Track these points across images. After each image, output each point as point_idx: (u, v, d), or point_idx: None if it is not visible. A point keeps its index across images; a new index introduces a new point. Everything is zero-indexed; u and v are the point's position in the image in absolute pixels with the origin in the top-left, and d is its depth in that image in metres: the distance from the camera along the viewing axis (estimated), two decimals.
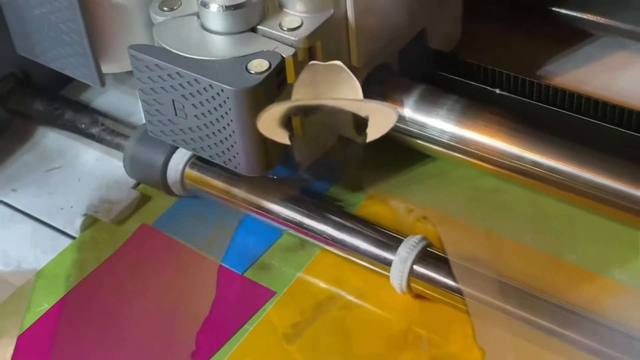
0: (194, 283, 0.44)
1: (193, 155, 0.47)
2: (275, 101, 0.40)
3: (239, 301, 0.43)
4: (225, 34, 0.42)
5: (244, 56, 0.41)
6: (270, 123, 0.38)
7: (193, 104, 0.41)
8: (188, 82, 0.41)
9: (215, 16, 0.41)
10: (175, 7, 0.44)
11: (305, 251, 0.45)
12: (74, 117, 0.52)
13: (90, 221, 0.48)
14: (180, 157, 0.47)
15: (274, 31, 0.42)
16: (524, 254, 0.44)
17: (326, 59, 0.42)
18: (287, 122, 0.40)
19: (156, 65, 0.41)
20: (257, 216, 0.46)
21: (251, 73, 0.40)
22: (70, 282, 0.44)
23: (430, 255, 0.42)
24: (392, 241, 0.43)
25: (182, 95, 0.41)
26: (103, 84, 0.45)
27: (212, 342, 0.41)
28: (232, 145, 0.41)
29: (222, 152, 0.42)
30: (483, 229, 0.45)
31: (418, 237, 0.42)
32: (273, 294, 0.44)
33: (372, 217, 0.45)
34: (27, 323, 0.42)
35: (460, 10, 0.51)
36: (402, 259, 0.42)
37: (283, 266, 0.45)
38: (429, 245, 0.42)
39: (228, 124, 0.41)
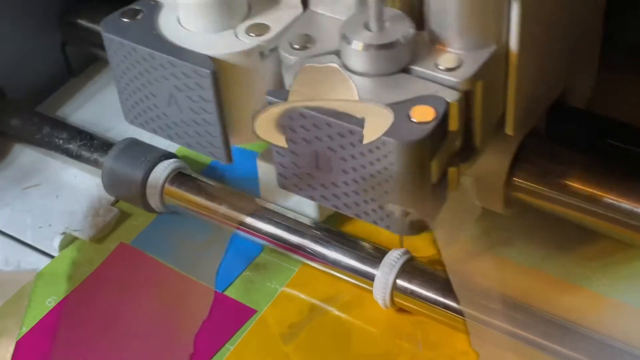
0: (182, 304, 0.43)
1: (173, 171, 0.47)
2: (439, 154, 0.36)
3: (219, 321, 0.43)
4: (374, 76, 0.37)
5: (401, 102, 0.36)
6: (269, 125, 0.35)
7: (343, 158, 0.36)
8: (339, 133, 0.35)
9: (362, 56, 0.36)
10: (308, 46, 0.39)
11: (287, 267, 0.45)
12: (51, 133, 0.52)
13: (69, 239, 0.48)
14: (160, 172, 0.47)
15: (430, 72, 0.36)
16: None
17: (485, 105, 0.37)
18: (442, 174, 0.36)
19: (300, 114, 0.36)
20: (239, 232, 0.45)
21: (415, 122, 0.35)
22: (71, 282, 0.44)
23: (413, 269, 0.42)
24: (374, 255, 0.43)
25: (329, 148, 0.36)
26: (231, 160, 0.40)
27: None
28: (386, 203, 0.36)
29: (373, 210, 0.37)
30: None
31: (400, 250, 0.42)
32: (254, 312, 0.43)
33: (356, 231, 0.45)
34: (27, 323, 0.42)
35: (597, 64, 0.46)
36: (385, 273, 0.42)
37: (265, 283, 0.45)
38: (412, 258, 0.42)
39: (386, 180, 0.36)
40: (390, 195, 0.36)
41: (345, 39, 0.37)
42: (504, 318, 0.39)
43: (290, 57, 0.38)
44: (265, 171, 0.45)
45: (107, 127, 0.54)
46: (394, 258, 0.42)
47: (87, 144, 0.50)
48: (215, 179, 0.48)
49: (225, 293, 0.44)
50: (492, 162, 0.41)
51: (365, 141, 0.34)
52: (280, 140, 0.35)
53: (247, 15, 0.40)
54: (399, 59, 0.37)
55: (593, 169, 0.41)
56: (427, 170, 0.35)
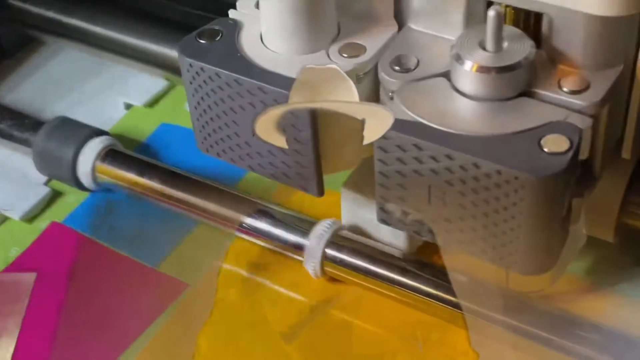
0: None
1: (104, 148, 0.47)
2: (571, 186, 0.32)
3: (150, 296, 0.43)
4: (493, 100, 0.33)
5: (529, 130, 0.32)
6: (269, 127, 0.33)
7: (461, 192, 0.33)
8: (462, 166, 0.32)
9: (480, 79, 0.33)
10: (412, 67, 0.35)
11: (220, 240, 0.44)
12: None
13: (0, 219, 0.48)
14: (91, 149, 0.47)
15: (555, 95, 0.33)
16: None
17: (608, 131, 0.34)
18: (567, 210, 0.33)
19: (414, 145, 0.33)
20: (170, 207, 0.45)
21: (547, 153, 0.32)
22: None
23: (342, 239, 0.42)
24: (304, 226, 0.43)
25: (447, 182, 0.33)
26: (322, 193, 0.37)
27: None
28: (510, 242, 0.33)
29: (493, 247, 0.34)
30: None
31: (330, 220, 0.42)
32: (186, 286, 0.43)
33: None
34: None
35: None
36: (314, 242, 0.41)
37: (198, 257, 0.44)
38: (341, 228, 0.42)
39: (512, 217, 0.32)
40: (515, 233, 0.33)
41: (459, 59, 0.33)
42: (507, 316, 0.37)
43: (392, 81, 0.35)
44: (350, 200, 0.42)
45: (41, 108, 0.53)
46: (323, 228, 0.42)
47: (18, 124, 0.50)
48: (148, 156, 0.48)
49: (158, 268, 0.44)
50: (606, 188, 0.37)
51: None
52: (280, 142, 0.34)
53: (338, 35, 0.37)
54: (520, 82, 0.33)
55: None
56: (561, 206, 0.32)
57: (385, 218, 0.36)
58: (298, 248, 0.42)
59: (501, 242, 0.33)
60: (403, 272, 0.40)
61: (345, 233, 0.42)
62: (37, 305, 0.42)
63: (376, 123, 0.32)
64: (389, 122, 0.32)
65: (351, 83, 0.34)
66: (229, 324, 0.41)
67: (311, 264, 0.42)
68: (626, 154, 0.37)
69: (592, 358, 0.36)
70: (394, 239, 0.41)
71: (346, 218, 0.42)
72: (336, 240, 0.42)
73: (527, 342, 0.37)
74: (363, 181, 0.40)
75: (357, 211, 0.41)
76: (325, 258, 0.41)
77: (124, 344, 0.40)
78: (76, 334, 0.41)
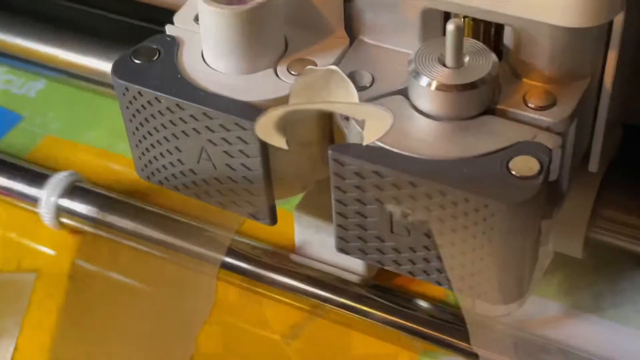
0: None
1: None
2: (540, 213, 0.30)
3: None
4: (455, 120, 0.31)
5: (495, 152, 0.30)
6: (270, 128, 0.31)
7: (424, 220, 0.31)
8: (427, 194, 0.30)
9: (440, 98, 0.31)
10: (366, 85, 0.33)
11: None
12: None
13: None
14: None
15: (521, 112, 0.31)
16: None
17: (576, 146, 0.32)
18: (537, 234, 0.31)
19: (375, 172, 0.30)
20: None
21: (517, 177, 0.30)
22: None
23: (78, 189, 0.43)
24: (40, 178, 0.44)
25: (410, 209, 0.31)
26: (275, 221, 0.35)
27: None
28: (479, 271, 0.31)
29: (461, 278, 0.32)
30: None
31: (67, 172, 0.44)
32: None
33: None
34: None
35: None
36: (49, 193, 0.43)
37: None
38: (79, 180, 0.44)
39: (482, 246, 0.30)
40: (484, 262, 0.31)
41: (417, 76, 0.31)
42: None
43: None
44: (304, 224, 0.39)
45: None
46: (58, 179, 0.43)
47: None
48: None
49: None
50: (574, 202, 0.36)
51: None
52: (281, 143, 0.31)
53: (286, 50, 0.35)
54: (484, 99, 0.31)
55: None
56: (533, 232, 0.30)
57: (344, 247, 0.33)
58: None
59: (470, 272, 0.31)
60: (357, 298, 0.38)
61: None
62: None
63: (376, 124, 0.30)
64: (388, 123, 0.30)
65: (350, 84, 0.31)
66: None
67: None
68: (593, 167, 0.35)
69: None
70: (351, 263, 0.39)
71: (300, 241, 0.40)
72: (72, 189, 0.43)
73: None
74: (318, 203, 0.38)
75: (312, 235, 0.39)
76: None
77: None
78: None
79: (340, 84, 0.32)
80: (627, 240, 0.37)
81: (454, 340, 0.36)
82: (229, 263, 0.41)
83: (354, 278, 0.39)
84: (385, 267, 0.33)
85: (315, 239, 0.39)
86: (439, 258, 0.31)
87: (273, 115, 0.30)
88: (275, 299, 0.40)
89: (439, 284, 0.32)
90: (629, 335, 0.36)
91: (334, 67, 0.32)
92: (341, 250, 0.33)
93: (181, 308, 0.40)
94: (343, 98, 0.32)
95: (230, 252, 0.41)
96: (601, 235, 0.37)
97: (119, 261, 0.43)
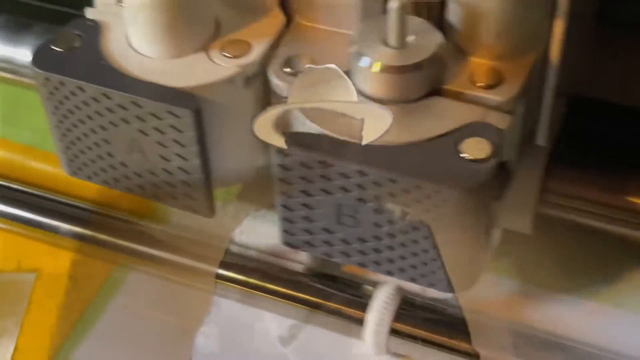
0: None
1: None
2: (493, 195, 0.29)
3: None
4: (401, 103, 0.30)
5: (444, 135, 0.29)
6: (269, 127, 0.29)
7: (375, 209, 0.29)
8: (376, 182, 0.28)
9: (384, 80, 0.29)
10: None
11: None
12: None
13: None
14: None
15: (468, 91, 0.30)
16: None
17: (524, 122, 0.31)
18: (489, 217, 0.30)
19: (321, 162, 0.29)
20: None
21: (468, 160, 0.28)
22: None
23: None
24: None
25: (360, 199, 0.29)
26: (214, 213, 0.33)
27: None
28: (432, 259, 0.30)
29: (413, 266, 0.30)
30: None
31: None
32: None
33: None
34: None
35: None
36: None
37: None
38: None
39: (434, 233, 0.29)
40: (437, 250, 0.29)
41: (359, 58, 0.29)
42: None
43: (285, 86, 0.30)
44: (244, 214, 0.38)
45: None
46: None
47: None
48: None
49: None
50: (522, 178, 0.35)
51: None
52: (280, 142, 0.29)
53: (218, 31, 0.32)
54: (430, 80, 0.30)
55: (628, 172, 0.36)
56: (486, 215, 0.29)
57: (290, 241, 0.32)
58: None
59: (422, 260, 0.30)
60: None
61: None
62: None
63: (375, 123, 0.29)
64: (387, 122, 0.28)
65: (349, 82, 0.30)
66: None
67: None
68: (542, 141, 0.34)
69: None
70: (294, 253, 0.37)
71: (240, 231, 0.38)
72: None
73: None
74: (259, 192, 0.36)
75: (254, 226, 0.37)
76: None
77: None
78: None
79: (339, 83, 0.30)
80: (577, 213, 0.36)
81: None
82: (153, 255, 0.40)
83: (298, 267, 0.37)
84: (334, 260, 0.32)
85: (259, 230, 0.38)
86: (390, 248, 0.30)
87: (271, 114, 0.29)
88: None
89: (390, 274, 0.31)
90: (586, 310, 0.36)
91: (332, 66, 0.30)
92: (287, 244, 0.32)
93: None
94: (341, 97, 0.30)
95: (162, 245, 0.39)
96: (551, 210, 0.36)
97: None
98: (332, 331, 0.38)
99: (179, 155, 0.31)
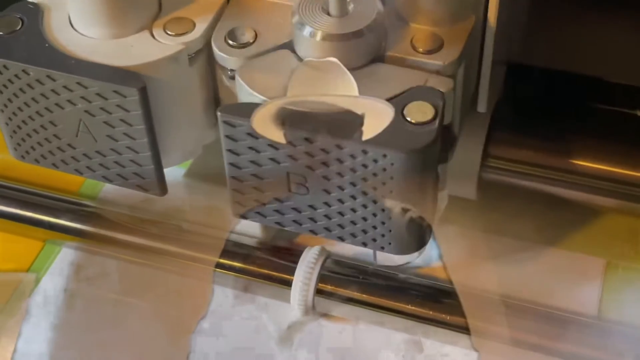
0: None
1: None
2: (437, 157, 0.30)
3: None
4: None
5: (389, 99, 0.29)
6: (267, 122, 0.29)
7: (325, 176, 0.30)
8: (322, 149, 0.29)
9: (327, 48, 0.30)
10: (250, 40, 0.31)
11: None
12: None
13: None
14: None
15: (410, 57, 0.30)
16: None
17: (465, 88, 0.32)
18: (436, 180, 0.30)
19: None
20: None
21: (413, 124, 0.29)
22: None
23: None
24: None
25: (309, 167, 0.30)
26: (165, 192, 0.33)
27: None
28: (381, 223, 0.30)
29: (363, 230, 0.31)
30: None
31: None
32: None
33: None
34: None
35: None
36: None
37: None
38: None
39: (383, 197, 0.29)
40: (387, 213, 0.30)
41: (301, 28, 0.30)
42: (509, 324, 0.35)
43: (229, 58, 0.31)
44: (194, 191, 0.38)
45: None
46: None
47: None
48: None
49: None
50: (465, 144, 0.36)
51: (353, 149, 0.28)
52: (279, 137, 0.29)
53: (160, 10, 0.32)
54: (372, 47, 0.30)
55: (567, 136, 0.37)
56: (432, 178, 0.30)
57: (241, 212, 0.32)
58: None
59: (372, 224, 0.30)
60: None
61: None
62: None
63: (376, 118, 0.29)
64: (389, 117, 0.28)
65: (350, 76, 0.29)
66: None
67: None
68: (482, 107, 0.35)
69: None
70: (248, 227, 0.37)
71: (192, 209, 0.38)
72: None
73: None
74: (207, 168, 0.37)
75: (203, 201, 0.38)
76: None
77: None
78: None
79: (340, 76, 0.30)
80: (519, 176, 0.37)
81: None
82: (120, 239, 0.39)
83: (250, 241, 0.38)
84: (286, 228, 0.32)
85: (208, 205, 0.38)
86: (341, 214, 0.31)
87: (269, 108, 0.29)
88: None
89: (342, 239, 0.31)
90: (528, 272, 0.37)
91: (333, 60, 0.30)
92: (238, 215, 0.32)
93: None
94: (343, 90, 0.30)
95: (121, 228, 0.39)
96: (494, 174, 0.37)
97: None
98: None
99: (127, 135, 0.31)
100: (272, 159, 0.30)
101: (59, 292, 0.40)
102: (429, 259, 0.38)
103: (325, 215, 0.31)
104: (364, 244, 0.31)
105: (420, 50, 0.30)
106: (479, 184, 0.37)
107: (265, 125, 0.29)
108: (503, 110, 0.37)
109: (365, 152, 0.28)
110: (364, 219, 0.30)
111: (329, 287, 0.36)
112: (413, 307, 0.35)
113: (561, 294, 0.37)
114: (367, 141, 0.28)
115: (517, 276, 0.37)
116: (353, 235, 0.31)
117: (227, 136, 0.29)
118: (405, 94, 0.29)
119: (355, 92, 0.29)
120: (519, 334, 0.35)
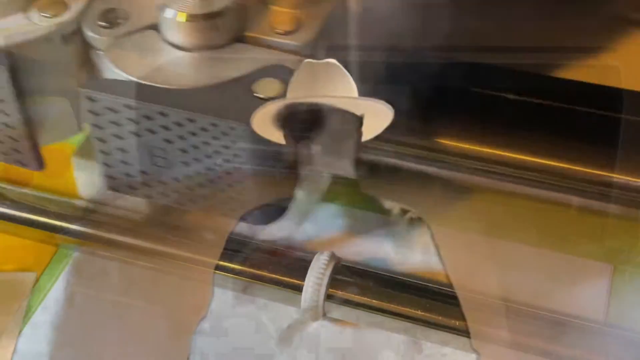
0: None
1: None
2: None
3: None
4: (205, 50, 0.32)
5: (243, 77, 0.31)
6: (266, 122, 0.31)
7: (182, 149, 0.31)
8: (177, 122, 0.30)
9: (188, 29, 0.31)
10: (120, 21, 0.33)
11: None
12: None
13: None
14: None
15: (268, 37, 0.32)
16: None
17: None
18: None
19: (125, 105, 0.30)
20: None
21: (260, 98, 0.30)
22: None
23: None
24: None
25: (166, 140, 0.31)
26: (42, 165, 0.34)
27: None
28: (238, 194, 0.32)
29: (224, 202, 0.32)
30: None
31: None
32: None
33: None
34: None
35: None
36: None
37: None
38: None
39: (236, 168, 0.31)
40: (246, 182, 0.32)
41: (164, 9, 0.31)
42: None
43: (100, 38, 0.32)
44: (83, 168, 0.39)
45: None
46: None
47: None
48: None
49: None
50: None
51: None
52: (278, 138, 0.31)
53: None
54: (233, 27, 0.32)
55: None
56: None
57: (114, 185, 0.33)
58: None
59: (229, 196, 0.32)
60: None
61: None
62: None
63: (375, 119, 0.30)
64: (388, 118, 0.30)
65: (349, 77, 0.31)
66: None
67: None
68: None
69: None
70: (135, 204, 0.39)
71: (83, 189, 0.40)
72: None
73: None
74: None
75: (93, 180, 0.39)
76: None
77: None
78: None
79: (340, 77, 0.31)
80: (393, 155, 0.38)
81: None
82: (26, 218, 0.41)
83: (139, 217, 0.39)
84: (156, 201, 0.34)
85: (97, 184, 0.39)
86: (200, 185, 0.32)
87: (269, 110, 0.30)
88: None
89: (207, 211, 0.33)
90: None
91: (332, 61, 0.31)
92: (112, 188, 0.34)
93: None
94: (341, 91, 0.31)
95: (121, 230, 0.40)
96: (368, 154, 0.39)
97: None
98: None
99: (1, 111, 0.33)
100: (133, 133, 0.31)
101: (59, 292, 0.40)
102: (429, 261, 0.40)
103: (188, 188, 0.32)
104: (224, 215, 0.33)
105: (278, 31, 0.32)
106: (356, 163, 0.39)
107: (265, 126, 0.30)
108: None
109: (214, 124, 0.30)
110: (222, 191, 0.32)
111: (339, 293, 0.36)
112: (413, 310, 0.36)
113: (565, 299, 0.38)
114: (217, 115, 0.30)
115: (520, 280, 0.38)
116: (214, 207, 0.33)
117: (89, 111, 0.31)
118: (258, 72, 0.31)
119: (355, 93, 0.30)
120: (519, 336, 0.36)
